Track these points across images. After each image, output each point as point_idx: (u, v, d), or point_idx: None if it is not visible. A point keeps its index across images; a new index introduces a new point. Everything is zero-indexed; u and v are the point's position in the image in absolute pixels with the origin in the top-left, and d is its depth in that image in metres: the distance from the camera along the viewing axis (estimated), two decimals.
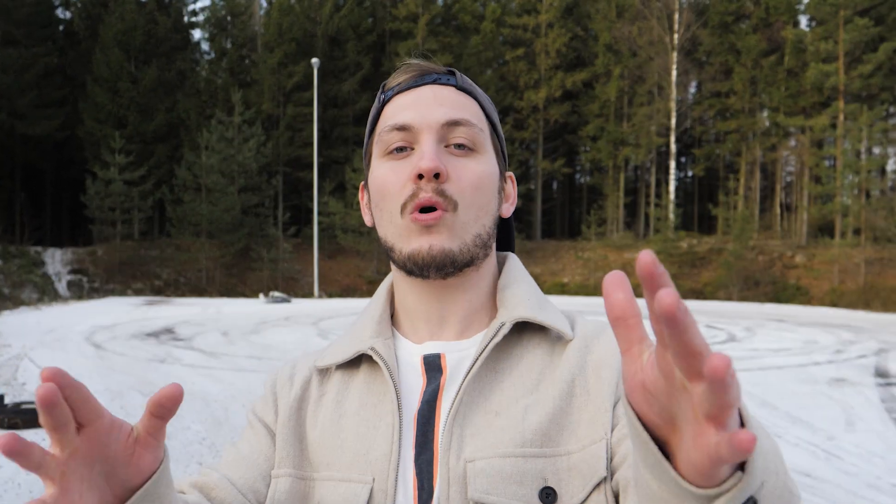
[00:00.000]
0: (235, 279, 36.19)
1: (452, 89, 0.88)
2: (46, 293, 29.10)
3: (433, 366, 0.85)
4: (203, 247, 35.84)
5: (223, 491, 0.82)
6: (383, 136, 0.86)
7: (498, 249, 0.99)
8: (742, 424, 0.48)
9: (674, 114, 41.42)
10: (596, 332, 0.86)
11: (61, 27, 44.86)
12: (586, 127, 44.06)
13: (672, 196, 40.40)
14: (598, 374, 0.81)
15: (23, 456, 0.51)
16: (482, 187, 0.85)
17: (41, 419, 0.53)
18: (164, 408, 0.58)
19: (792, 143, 41.40)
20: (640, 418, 0.50)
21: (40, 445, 0.53)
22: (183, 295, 33.14)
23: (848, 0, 34.87)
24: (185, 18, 45.90)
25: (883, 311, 26.28)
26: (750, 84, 40.16)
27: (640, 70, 42.78)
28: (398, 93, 0.88)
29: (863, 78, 34.70)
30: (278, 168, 41.16)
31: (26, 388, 8.62)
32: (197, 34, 48.14)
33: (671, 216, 38.42)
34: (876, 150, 36.37)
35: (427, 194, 0.81)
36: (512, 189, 0.94)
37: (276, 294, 28.77)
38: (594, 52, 44.47)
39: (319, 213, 35.88)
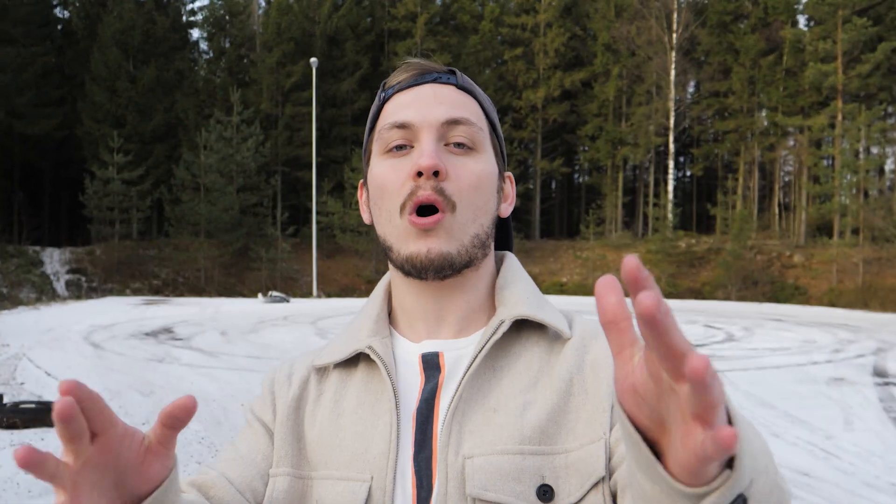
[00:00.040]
0: (234, 279, 36.18)
1: (453, 88, 0.88)
2: (45, 293, 29.09)
3: (431, 364, 0.85)
4: (201, 246, 35.84)
5: (221, 490, 0.82)
6: (383, 133, 0.86)
7: (496, 249, 0.99)
8: (730, 423, 0.48)
9: (672, 113, 41.44)
10: (594, 332, 0.87)
11: (59, 26, 44.84)
12: (585, 126, 44.09)
13: (670, 196, 40.43)
14: (597, 373, 0.81)
15: (39, 468, 0.52)
16: (481, 187, 0.85)
17: (58, 431, 0.53)
18: (177, 419, 0.58)
19: (790, 142, 41.44)
20: (631, 420, 0.51)
21: (54, 455, 0.54)
22: (181, 294, 33.12)
23: (846, 0, 34.90)
24: (184, 18, 45.91)
25: (881, 311, 26.32)
26: (748, 84, 40.20)
27: (639, 70, 42.80)
28: (398, 91, 0.89)
29: (861, 78, 34.74)
30: (277, 167, 41.15)
31: (25, 388, 8.62)
32: (195, 34, 48.05)
33: (670, 216, 38.44)
34: (874, 150, 36.45)
35: (426, 192, 0.81)
36: (511, 189, 0.94)
37: (275, 293, 28.77)
38: (593, 52, 44.49)
39: (318, 213, 35.88)
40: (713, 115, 43.62)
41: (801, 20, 42.47)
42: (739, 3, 41.42)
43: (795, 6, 39.97)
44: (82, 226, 39.65)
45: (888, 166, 38.66)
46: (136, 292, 33.02)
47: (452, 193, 0.82)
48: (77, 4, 44.80)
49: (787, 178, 45.65)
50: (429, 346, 0.87)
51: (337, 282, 36.09)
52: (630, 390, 0.49)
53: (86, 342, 13.47)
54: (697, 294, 34.09)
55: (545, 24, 44.54)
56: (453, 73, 0.90)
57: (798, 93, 38.36)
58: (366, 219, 0.93)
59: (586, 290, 35.61)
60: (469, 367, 0.81)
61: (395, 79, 0.90)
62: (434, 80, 0.88)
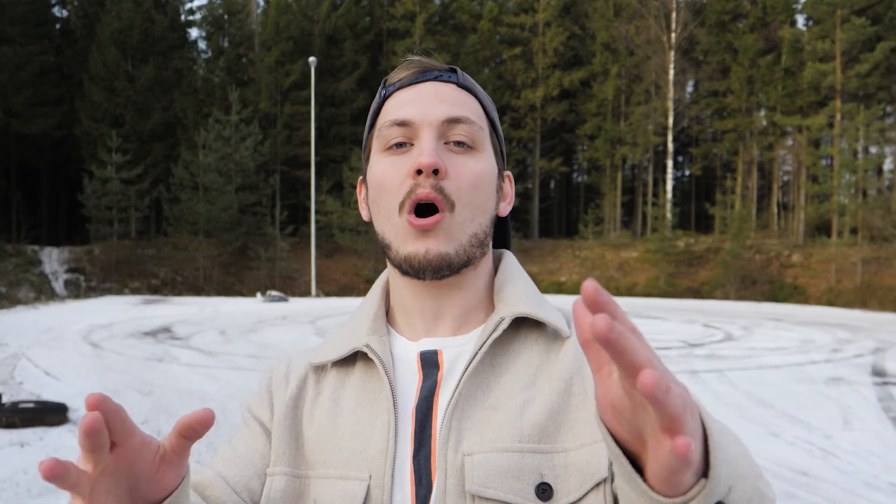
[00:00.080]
0: (233, 278, 36.16)
1: (453, 86, 0.88)
2: (43, 292, 29.06)
3: (430, 362, 0.85)
4: (200, 246, 35.82)
5: (217, 489, 0.82)
6: (383, 131, 0.86)
7: (494, 247, 0.99)
8: (705, 432, 0.50)
9: (671, 113, 41.45)
10: None
11: (58, 25, 44.77)
12: (583, 126, 44.08)
13: (669, 195, 40.43)
14: None
15: (63, 479, 0.53)
16: (480, 185, 0.85)
17: (82, 442, 0.55)
18: (194, 430, 0.59)
19: (789, 142, 41.45)
20: (613, 435, 0.52)
21: (76, 465, 0.55)
22: (180, 294, 33.10)
23: (845, 0, 34.92)
24: (182, 17, 45.86)
25: (880, 310, 26.35)
26: (747, 83, 40.20)
27: (638, 69, 42.81)
28: (399, 88, 0.88)
29: (860, 77, 34.75)
30: (276, 167, 41.13)
31: (24, 388, 8.61)
32: (194, 33, 48.03)
33: (668, 215, 38.45)
34: (873, 150, 36.46)
35: (425, 190, 0.81)
36: (510, 188, 0.94)
37: (274, 293, 28.76)
38: (591, 51, 44.49)
39: (317, 212, 35.87)
40: (712, 115, 43.61)
41: (800, 20, 42.51)
42: (738, 3, 41.43)
43: (794, 6, 39.97)
44: (81, 225, 39.62)
45: (886, 166, 38.72)
46: (134, 291, 33.00)
47: (452, 192, 0.82)
48: (75, 3, 44.75)
49: (785, 178, 45.68)
50: (427, 344, 0.87)
51: (336, 281, 36.09)
52: (609, 406, 0.51)
53: (84, 341, 13.46)
54: (696, 293, 34.11)
55: (544, 24, 44.54)
56: (454, 71, 0.90)
57: (797, 92, 38.36)
58: (364, 215, 0.93)
59: None
60: (469, 365, 0.81)
61: (396, 76, 0.90)
62: (435, 78, 0.88)
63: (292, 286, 35.16)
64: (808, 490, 4.95)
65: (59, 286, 31.42)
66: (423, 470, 0.78)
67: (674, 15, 41.67)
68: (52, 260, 34.24)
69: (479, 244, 0.86)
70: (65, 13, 45.65)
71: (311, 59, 34.14)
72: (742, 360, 11.67)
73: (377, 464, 0.80)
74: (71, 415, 6.98)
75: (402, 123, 0.85)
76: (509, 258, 0.95)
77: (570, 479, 0.76)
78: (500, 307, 0.86)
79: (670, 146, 41.68)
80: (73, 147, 40.98)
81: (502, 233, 1.00)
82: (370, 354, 0.85)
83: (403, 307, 0.90)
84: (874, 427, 7.01)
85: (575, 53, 45.68)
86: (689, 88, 45.81)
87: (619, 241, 39.84)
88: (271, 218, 39.29)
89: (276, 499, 0.82)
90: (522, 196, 43.46)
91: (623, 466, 0.52)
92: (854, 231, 33.88)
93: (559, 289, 35.46)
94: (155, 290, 33.75)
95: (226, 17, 46.32)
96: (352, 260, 37.34)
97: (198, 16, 47.63)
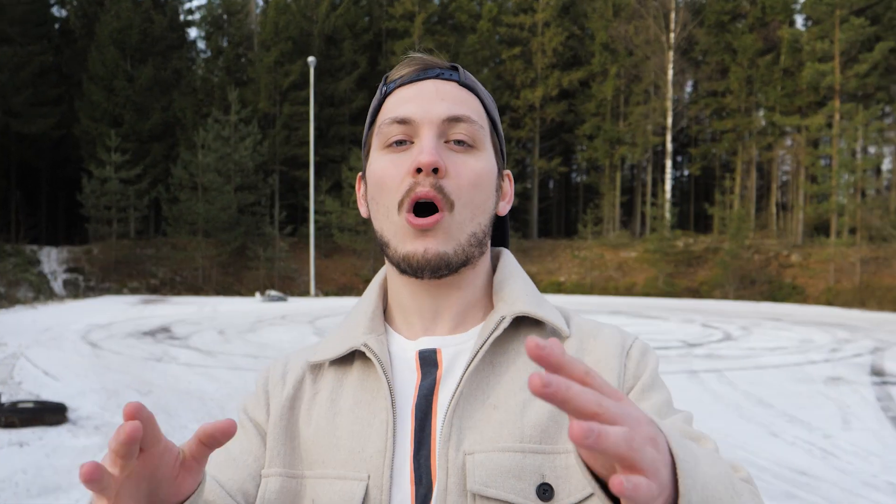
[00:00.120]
0: (232, 278, 36.15)
1: (455, 85, 0.87)
2: (42, 292, 29.04)
3: (429, 361, 0.85)
4: (199, 245, 35.81)
5: (212, 493, 0.82)
6: (383, 128, 0.86)
7: (492, 245, 0.99)
8: (672, 460, 0.52)
9: (670, 113, 41.46)
10: (592, 332, 0.87)
11: (57, 25, 44.74)
12: (583, 126, 44.09)
13: (668, 195, 40.44)
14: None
15: (99, 483, 0.55)
16: (480, 185, 0.84)
17: (116, 449, 0.57)
18: (215, 438, 0.62)
19: (788, 142, 41.47)
20: (591, 468, 0.55)
21: (108, 470, 0.58)
22: (179, 294, 33.09)
23: (844, 0, 34.94)
24: (182, 17, 45.83)
25: (878, 310, 26.37)
26: (746, 83, 40.22)
27: (637, 69, 42.82)
28: (400, 85, 0.88)
29: (858, 77, 34.77)
30: (275, 167, 41.12)
31: (22, 387, 8.60)
32: (193, 32, 48.20)
33: (667, 215, 38.47)
34: (871, 150, 36.49)
35: (424, 189, 0.81)
36: (509, 187, 0.94)
37: (273, 293, 28.76)
38: (591, 51, 44.51)
39: (316, 212, 35.86)
40: (711, 115, 43.63)
41: (799, 20, 42.54)
42: (737, 3, 41.44)
43: (793, 6, 40.00)
44: (80, 225, 39.61)
45: (885, 166, 38.74)
46: (133, 291, 32.99)
47: (451, 191, 0.82)
48: (74, 3, 44.72)
49: (784, 178, 45.70)
50: (426, 342, 0.87)
51: (335, 281, 36.08)
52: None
53: (83, 341, 13.45)
54: (695, 293, 34.13)
55: (543, 24, 44.54)
56: (456, 69, 0.89)
57: (795, 92, 38.38)
58: (363, 212, 0.92)
59: (584, 289, 35.66)
60: (470, 364, 0.81)
61: (397, 73, 0.89)
62: (437, 76, 0.87)
63: (291, 286, 35.16)
64: (807, 490, 4.95)
65: (57, 286, 31.41)
66: (423, 469, 0.78)
67: (673, 15, 41.68)
68: (51, 260, 34.22)
69: (478, 244, 0.86)
70: (64, 13, 45.63)
71: (310, 58, 34.13)
72: (741, 360, 11.67)
73: (375, 463, 0.79)
74: (70, 414, 6.97)
75: (403, 121, 0.84)
76: (507, 256, 0.95)
77: (571, 480, 0.76)
78: (500, 306, 0.86)
79: (669, 146, 41.69)
80: (72, 147, 40.96)
81: (500, 232, 1.00)
82: (368, 354, 0.85)
83: (401, 306, 0.90)
84: (873, 427, 7.01)
85: (574, 53, 45.69)
86: (688, 88, 45.86)
87: (618, 241, 39.86)
88: (270, 218, 39.28)
89: (270, 500, 0.82)
90: (521, 196, 43.48)
91: (602, 499, 0.55)
92: (853, 231, 33.91)
93: (558, 289, 35.49)
94: (154, 290, 33.74)
95: (225, 17, 46.29)
96: (351, 260, 37.34)
97: (197, 16, 47.66)
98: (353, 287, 34.84)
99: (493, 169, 0.87)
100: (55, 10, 45.12)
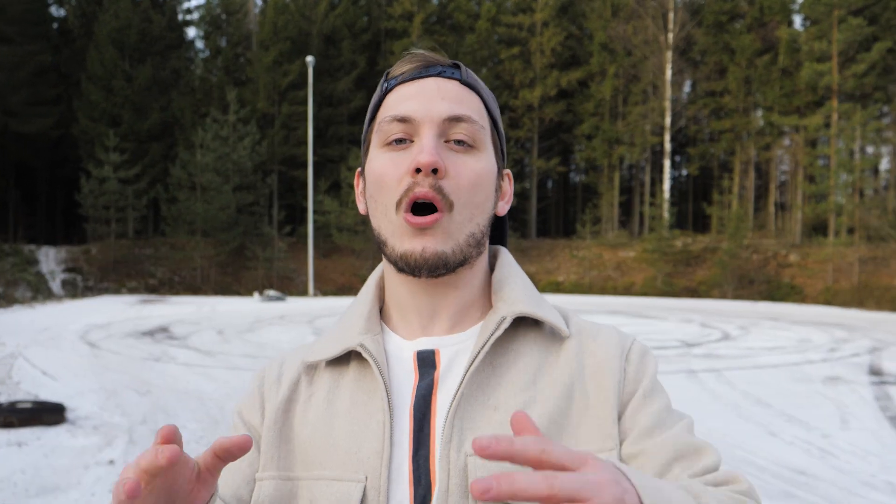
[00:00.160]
0: (230, 278, 36.14)
1: (456, 83, 0.86)
2: (40, 292, 29.01)
3: (426, 361, 0.85)
4: (198, 245, 35.79)
5: None
6: (383, 125, 0.85)
7: (490, 244, 0.98)
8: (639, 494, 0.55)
9: (668, 113, 41.49)
10: (591, 333, 0.87)
11: (55, 25, 44.71)
12: (581, 126, 44.11)
13: (667, 195, 40.47)
14: (598, 381, 0.82)
15: (139, 499, 0.61)
16: (479, 185, 0.84)
17: (148, 468, 0.61)
18: (230, 453, 0.65)
19: (786, 142, 41.50)
20: None
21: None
22: (178, 293, 33.07)
23: (842, 0, 34.97)
24: (180, 16, 45.80)
25: (876, 310, 26.39)
26: (744, 83, 40.26)
27: (635, 69, 42.84)
28: (401, 83, 0.87)
29: (856, 77, 34.80)
30: (273, 167, 41.11)
31: (21, 387, 8.59)
32: (192, 32, 48.23)
33: (666, 215, 38.49)
34: (869, 150, 36.55)
35: (423, 189, 0.80)
36: (509, 187, 0.93)
37: (271, 292, 28.75)
38: (589, 51, 44.52)
39: (314, 212, 35.85)
40: (709, 115, 43.67)
41: (797, 20, 42.57)
42: (735, 3, 41.46)
43: (791, 6, 40.03)
44: (78, 224, 39.59)
45: (883, 166, 38.80)
46: (132, 291, 32.96)
47: (451, 192, 0.81)
48: (73, 3, 44.69)
49: (782, 178, 45.73)
50: (424, 343, 0.86)
51: (333, 281, 36.08)
52: None
53: (82, 341, 13.44)
54: (693, 293, 34.16)
55: (542, 24, 44.54)
56: (458, 67, 0.88)
57: (794, 92, 38.41)
58: (361, 209, 0.92)
59: (582, 289, 35.69)
60: (471, 365, 0.81)
61: (398, 69, 0.88)
62: (438, 74, 0.86)
63: (290, 286, 35.16)
64: (806, 489, 4.96)
65: (56, 286, 31.38)
66: (423, 470, 0.78)
67: (671, 15, 41.70)
68: (50, 259, 34.19)
69: (476, 244, 0.85)
70: (62, 12, 45.60)
71: (309, 58, 34.11)
72: (739, 360, 11.68)
73: (373, 464, 0.79)
74: (68, 414, 6.97)
75: (403, 119, 0.83)
76: (505, 255, 0.95)
77: None
78: (500, 306, 0.86)
79: (667, 146, 41.71)
80: (70, 146, 40.92)
81: (499, 231, 1.00)
82: (364, 354, 0.84)
83: (399, 304, 0.89)
84: (871, 426, 7.02)
85: (573, 53, 45.70)
86: (687, 88, 45.90)
87: (617, 241, 39.88)
88: (269, 218, 39.28)
89: (264, 503, 0.82)
90: (520, 196, 43.49)
91: None
92: (851, 231, 33.94)
93: (557, 288, 35.51)
94: (152, 290, 33.72)
95: (223, 16, 46.27)
96: (349, 259, 37.32)
97: (195, 15, 47.66)
98: (352, 287, 34.83)
99: (492, 169, 0.87)
100: (53, 10, 45.10)
